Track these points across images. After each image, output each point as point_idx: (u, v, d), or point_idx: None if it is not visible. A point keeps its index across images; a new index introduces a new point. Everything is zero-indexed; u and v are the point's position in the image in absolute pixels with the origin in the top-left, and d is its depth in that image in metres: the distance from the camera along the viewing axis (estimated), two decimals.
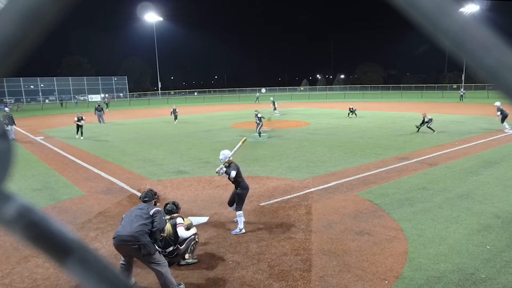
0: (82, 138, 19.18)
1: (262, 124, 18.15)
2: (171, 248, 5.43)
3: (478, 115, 25.57)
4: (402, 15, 0.32)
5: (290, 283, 4.90)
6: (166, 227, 5.41)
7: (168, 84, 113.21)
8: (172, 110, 27.20)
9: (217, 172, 6.71)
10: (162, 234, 5.33)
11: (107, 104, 43.82)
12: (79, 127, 19.66)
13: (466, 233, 6.28)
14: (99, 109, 27.38)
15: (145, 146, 16.20)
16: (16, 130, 21.52)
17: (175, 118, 26.48)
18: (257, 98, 50.78)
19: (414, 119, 22.24)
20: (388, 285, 4.81)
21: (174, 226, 5.54)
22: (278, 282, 4.93)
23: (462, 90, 46.41)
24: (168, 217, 5.64)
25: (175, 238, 5.50)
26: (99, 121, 26.70)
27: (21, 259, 5.76)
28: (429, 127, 17.62)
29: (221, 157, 6.83)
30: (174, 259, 5.45)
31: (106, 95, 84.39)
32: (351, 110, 27.05)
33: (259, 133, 17.96)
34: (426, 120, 17.78)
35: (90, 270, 0.36)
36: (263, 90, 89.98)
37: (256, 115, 18.13)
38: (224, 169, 6.66)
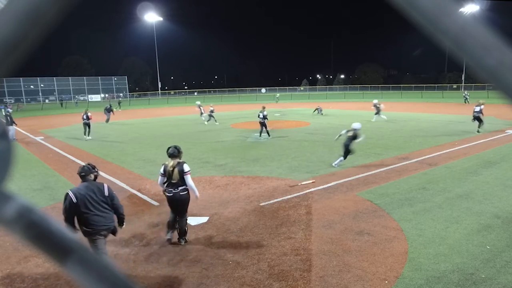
0: (89, 138, 18.72)
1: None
2: (181, 188, 6.05)
3: None
4: (402, 15, 0.32)
5: (290, 283, 4.90)
6: (174, 172, 6.00)
7: (168, 84, 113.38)
8: (210, 109, 25.38)
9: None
10: (172, 181, 6.01)
11: (119, 104, 43.50)
12: (86, 126, 18.99)
13: (466, 233, 6.28)
14: (108, 110, 27.16)
15: (145, 146, 16.19)
16: (16, 130, 21.50)
17: (211, 117, 24.89)
18: (277, 98, 52.25)
19: (414, 119, 22.25)
20: (388, 285, 4.81)
21: (182, 172, 6.02)
22: (278, 282, 4.93)
23: (466, 92, 42.15)
24: (173, 162, 6.07)
25: (182, 181, 6.04)
26: (106, 121, 26.79)
27: (21, 259, 5.76)
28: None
29: (358, 126, 11.28)
30: (184, 196, 6.09)
31: (106, 95, 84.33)
32: (318, 109, 28.50)
33: (267, 132, 17.57)
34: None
35: (90, 270, 0.36)
36: (263, 90, 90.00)
37: (262, 112, 17.71)
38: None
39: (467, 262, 5.30)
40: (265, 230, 6.64)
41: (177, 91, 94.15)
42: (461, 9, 0.33)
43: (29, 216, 0.35)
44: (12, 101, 71.20)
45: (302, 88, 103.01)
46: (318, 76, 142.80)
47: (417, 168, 10.76)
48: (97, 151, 15.18)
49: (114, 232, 5.07)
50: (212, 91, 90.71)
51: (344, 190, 8.81)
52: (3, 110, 23.99)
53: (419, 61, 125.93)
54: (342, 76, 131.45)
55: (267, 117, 17.60)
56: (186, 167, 6.08)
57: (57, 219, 0.37)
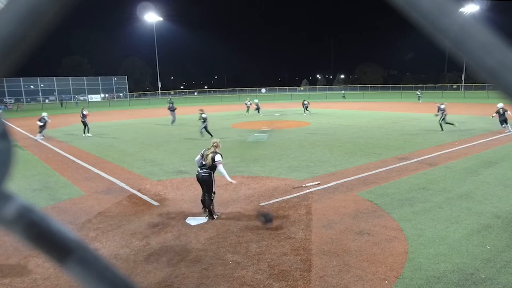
0: (89, 135, 19.79)
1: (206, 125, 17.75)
2: (205, 170, 7.23)
3: (478, 115, 25.56)
4: (402, 15, 0.32)
5: (290, 283, 4.90)
6: (208, 157, 7.21)
7: (168, 84, 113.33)
8: (256, 103, 31.44)
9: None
10: (204, 162, 7.24)
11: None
12: (84, 124, 20.10)
13: (466, 233, 6.28)
14: (172, 109, 24.65)
15: (145, 146, 16.20)
16: (16, 130, 21.52)
17: (258, 110, 30.43)
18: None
19: (414, 119, 22.28)
20: (388, 285, 4.81)
21: (213, 159, 7.21)
22: (278, 282, 4.93)
23: (419, 91, 51.05)
24: (212, 150, 7.33)
25: (210, 166, 7.23)
26: (172, 122, 24.52)
27: (21, 259, 5.76)
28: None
29: (502, 105, 16.45)
30: (205, 177, 7.25)
31: (107, 95, 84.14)
32: (304, 106, 30.58)
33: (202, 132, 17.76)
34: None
35: (90, 270, 0.36)
36: (263, 90, 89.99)
37: (201, 115, 17.65)
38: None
39: (467, 262, 5.30)
40: (265, 230, 6.64)
41: (177, 91, 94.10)
42: (461, 9, 0.33)
43: (29, 216, 0.35)
44: (12, 101, 71.24)
45: (302, 88, 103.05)
46: (318, 76, 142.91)
47: (417, 168, 10.76)
48: (97, 151, 15.18)
49: None
50: (212, 91, 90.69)
51: (344, 190, 8.81)
52: None
53: (419, 61, 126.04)
54: (342, 76, 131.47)
55: (207, 119, 17.71)
56: (217, 157, 7.24)
57: (57, 219, 0.37)
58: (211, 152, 7.27)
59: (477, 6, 59.05)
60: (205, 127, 17.74)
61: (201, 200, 7.53)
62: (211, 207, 7.26)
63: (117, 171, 11.46)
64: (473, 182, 9.19)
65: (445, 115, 18.12)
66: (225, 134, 19.25)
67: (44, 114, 19.79)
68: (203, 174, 7.26)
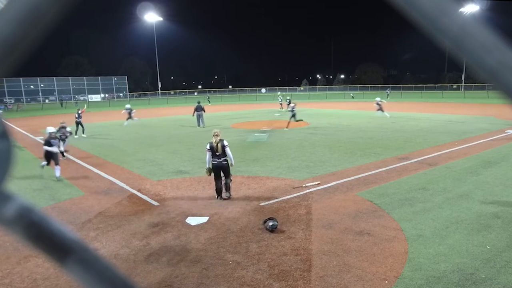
0: (76, 136, 19.11)
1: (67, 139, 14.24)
2: (223, 158, 8.13)
3: (478, 115, 25.57)
4: (402, 15, 0.32)
5: (290, 283, 4.90)
6: (218, 147, 8.05)
7: (168, 84, 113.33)
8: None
9: None
10: (217, 153, 8.09)
11: (208, 99, 38.04)
12: (79, 125, 19.79)
13: (466, 233, 6.28)
14: (199, 109, 22.44)
15: (145, 146, 16.19)
16: (16, 130, 21.51)
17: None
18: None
19: (414, 119, 22.28)
20: (388, 285, 4.81)
21: (223, 146, 8.09)
22: (278, 282, 4.93)
23: (388, 90, 56.96)
24: (217, 139, 8.12)
25: (223, 153, 8.11)
26: (198, 124, 22.46)
27: (21, 259, 5.76)
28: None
29: (378, 99, 22.13)
30: (225, 164, 8.17)
31: (107, 95, 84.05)
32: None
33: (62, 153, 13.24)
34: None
35: (90, 270, 0.36)
36: (263, 90, 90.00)
37: (65, 128, 13.88)
38: None
39: (467, 262, 5.30)
40: (265, 230, 6.63)
41: (177, 91, 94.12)
42: (461, 9, 0.33)
43: (29, 216, 0.35)
44: (12, 101, 71.28)
45: (302, 88, 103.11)
46: (318, 76, 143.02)
47: (417, 168, 10.76)
48: (97, 151, 15.18)
49: None
50: (212, 91, 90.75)
51: (344, 190, 8.81)
52: None
53: (419, 61, 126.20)
54: (342, 76, 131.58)
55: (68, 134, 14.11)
56: (225, 142, 8.19)
57: (57, 219, 0.37)
58: (218, 141, 8.11)
59: (477, 6, 59.08)
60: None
61: (215, 189, 8.31)
62: (230, 184, 8.36)
63: (117, 171, 11.46)
64: (473, 182, 9.19)
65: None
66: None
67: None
68: (223, 162, 8.16)
